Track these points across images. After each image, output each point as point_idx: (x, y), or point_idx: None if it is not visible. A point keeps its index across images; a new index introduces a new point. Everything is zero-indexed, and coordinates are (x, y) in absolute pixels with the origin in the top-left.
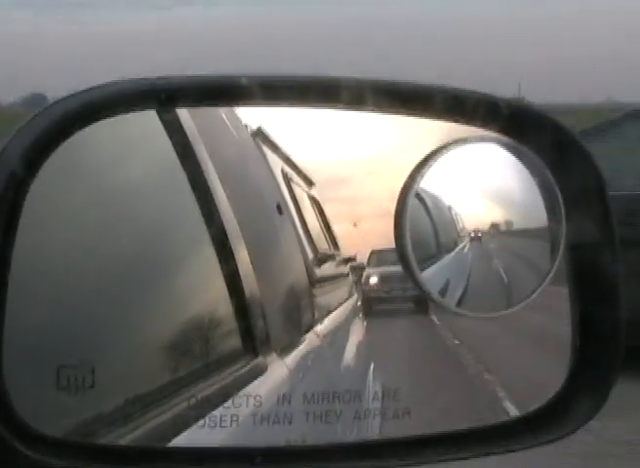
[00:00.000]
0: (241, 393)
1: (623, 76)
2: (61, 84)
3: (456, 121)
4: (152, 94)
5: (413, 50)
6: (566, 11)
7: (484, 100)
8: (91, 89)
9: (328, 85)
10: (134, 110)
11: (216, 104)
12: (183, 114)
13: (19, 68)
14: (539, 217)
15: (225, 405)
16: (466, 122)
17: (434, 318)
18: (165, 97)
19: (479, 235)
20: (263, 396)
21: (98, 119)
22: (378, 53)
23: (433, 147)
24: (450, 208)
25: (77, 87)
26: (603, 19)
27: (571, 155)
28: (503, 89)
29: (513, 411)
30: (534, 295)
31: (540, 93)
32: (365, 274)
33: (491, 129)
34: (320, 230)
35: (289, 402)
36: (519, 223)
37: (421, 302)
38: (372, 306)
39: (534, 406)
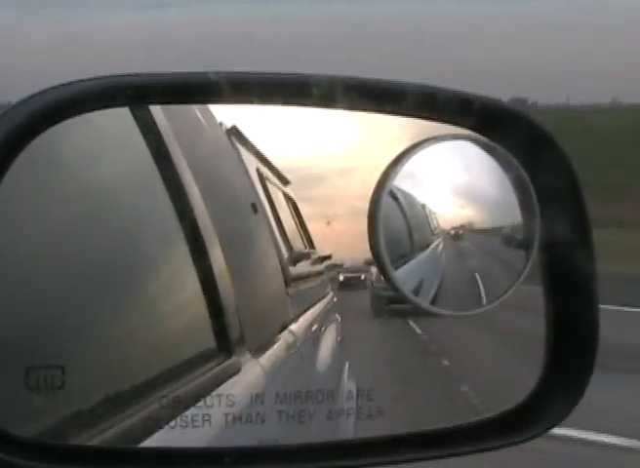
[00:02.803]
0: (214, 393)
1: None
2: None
3: (429, 118)
4: (124, 91)
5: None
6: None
7: (456, 97)
8: (63, 85)
9: (299, 82)
10: (106, 107)
11: (187, 102)
12: (157, 112)
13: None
14: (512, 216)
15: (198, 404)
16: (439, 119)
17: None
18: (137, 94)
19: (460, 233)
20: (236, 395)
21: (70, 116)
22: (370, 54)
23: (407, 145)
24: (424, 206)
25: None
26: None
27: (544, 152)
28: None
29: (486, 411)
30: (508, 294)
31: (543, 93)
32: (375, 271)
33: (464, 126)
34: (295, 229)
35: (262, 401)
36: (493, 221)
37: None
38: (382, 306)
39: (507, 405)
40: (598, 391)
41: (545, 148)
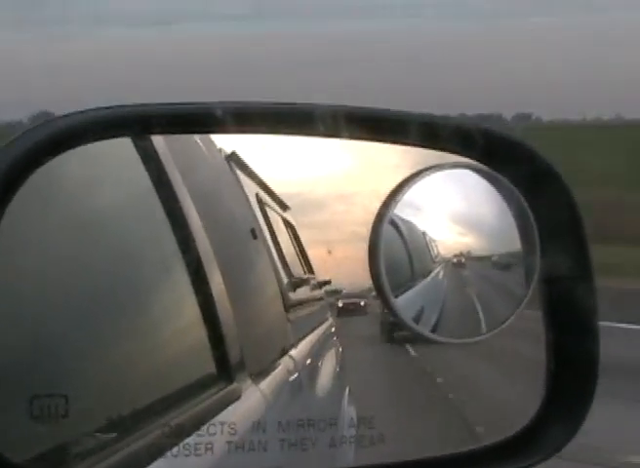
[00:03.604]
0: (215, 420)
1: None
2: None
3: (431, 148)
4: (126, 122)
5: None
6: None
7: (460, 128)
8: (68, 115)
9: (302, 113)
10: (109, 137)
11: (190, 132)
12: (158, 139)
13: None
14: (513, 244)
15: (200, 432)
16: (442, 149)
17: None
18: (139, 125)
19: (462, 261)
20: (238, 423)
21: (74, 145)
22: (369, 72)
23: (407, 173)
24: (424, 234)
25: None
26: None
27: (547, 185)
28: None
29: (487, 438)
30: (508, 321)
31: (547, 108)
32: None
33: (467, 156)
34: (295, 254)
35: (264, 429)
36: (493, 250)
37: None
38: (392, 332)
39: (508, 433)
40: None
41: (548, 180)
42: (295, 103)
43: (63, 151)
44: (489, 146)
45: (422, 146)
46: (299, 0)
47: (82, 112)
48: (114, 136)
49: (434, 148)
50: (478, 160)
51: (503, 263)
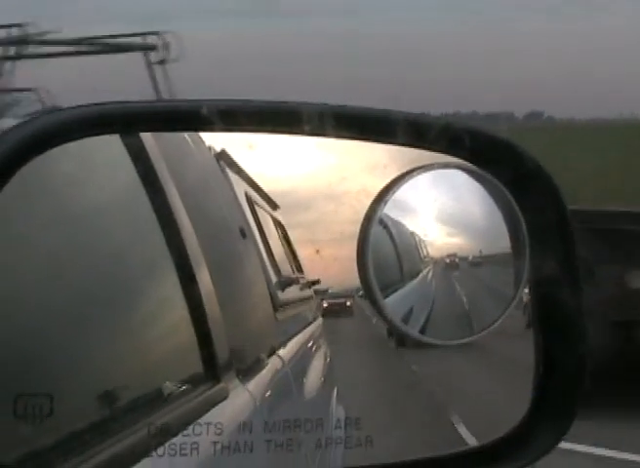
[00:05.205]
0: (202, 420)
1: None
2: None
3: (419, 147)
4: (113, 119)
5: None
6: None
7: (448, 129)
8: (56, 112)
9: (289, 112)
10: (96, 135)
11: (176, 130)
12: (147, 137)
13: None
14: (502, 244)
15: (185, 433)
16: (430, 149)
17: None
18: (126, 122)
19: (455, 261)
20: (224, 424)
21: (60, 143)
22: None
23: (396, 172)
24: (413, 234)
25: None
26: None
27: (535, 185)
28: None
29: (474, 441)
30: (498, 322)
31: (564, 108)
32: None
33: (455, 156)
34: (284, 253)
35: (250, 430)
36: (483, 250)
37: None
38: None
39: (495, 435)
40: None
41: (536, 179)
42: (282, 102)
43: (50, 148)
44: (477, 147)
45: (413, 147)
46: None
47: (68, 109)
48: (101, 134)
49: (424, 148)
50: (466, 160)
51: (487, 262)
